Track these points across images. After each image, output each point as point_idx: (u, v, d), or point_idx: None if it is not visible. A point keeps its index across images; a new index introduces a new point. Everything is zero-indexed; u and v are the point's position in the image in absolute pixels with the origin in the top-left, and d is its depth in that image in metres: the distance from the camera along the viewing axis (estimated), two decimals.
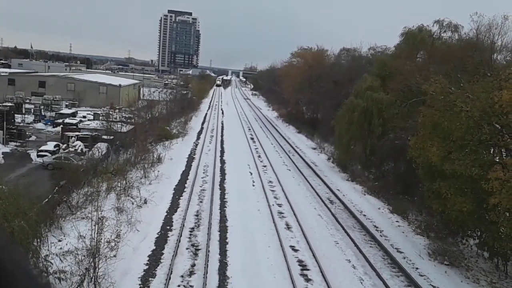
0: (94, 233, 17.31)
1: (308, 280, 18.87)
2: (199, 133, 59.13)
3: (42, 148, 44.26)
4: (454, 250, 22.37)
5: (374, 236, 24.53)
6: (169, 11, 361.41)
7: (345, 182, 37.19)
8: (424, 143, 23.66)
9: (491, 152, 22.78)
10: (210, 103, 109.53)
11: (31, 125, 61.56)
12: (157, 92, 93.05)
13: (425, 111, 24.57)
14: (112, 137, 45.72)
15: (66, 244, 19.28)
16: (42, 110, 70.64)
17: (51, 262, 17.01)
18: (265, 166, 41.14)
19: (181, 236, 22.38)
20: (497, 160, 21.57)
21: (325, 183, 35.91)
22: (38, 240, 18.29)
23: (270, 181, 35.31)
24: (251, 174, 37.52)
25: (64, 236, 20.62)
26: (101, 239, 17.59)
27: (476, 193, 20.70)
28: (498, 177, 19.01)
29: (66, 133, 49.96)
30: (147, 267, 18.92)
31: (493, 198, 18.93)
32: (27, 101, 75.47)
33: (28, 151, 45.61)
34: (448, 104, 22.66)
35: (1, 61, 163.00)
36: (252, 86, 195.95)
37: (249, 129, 67.30)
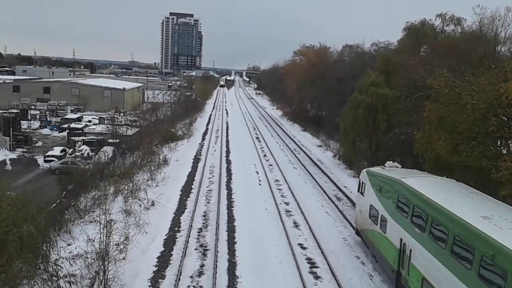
0: (103, 236, 17.35)
1: (317, 277, 18.85)
2: (204, 134, 59.21)
3: (49, 153, 44.51)
4: None
5: None
6: (171, 14, 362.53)
7: (352, 178, 37.03)
8: (431, 137, 23.57)
9: (498, 144, 22.64)
10: (214, 104, 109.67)
11: (37, 131, 61.97)
12: (161, 94, 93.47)
13: (430, 106, 24.46)
14: (118, 140, 45.90)
15: (76, 248, 19.38)
16: (48, 115, 71.09)
17: (61, 266, 17.09)
18: (271, 165, 41.12)
19: (189, 237, 22.43)
20: (505, 152, 21.44)
21: (331, 180, 35.86)
22: (48, 245, 18.38)
23: (277, 180, 35.30)
24: (258, 173, 37.52)
25: (73, 240, 20.71)
26: (110, 242, 17.63)
27: (485, 185, 20.58)
28: (508, 167, 18.92)
29: (72, 137, 50.18)
30: (156, 268, 18.98)
31: (503, 190, 18.84)
32: (33, 107, 75.96)
33: (35, 157, 45.88)
34: (454, 97, 22.55)
35: (6, 68, 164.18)
36: (256, 86, 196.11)
37: (254, 129, 67.32)
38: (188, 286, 17.64)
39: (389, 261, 17.60)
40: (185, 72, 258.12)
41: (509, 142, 22.30)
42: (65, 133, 56.04)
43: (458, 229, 12.93)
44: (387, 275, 18.28)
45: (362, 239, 21.87)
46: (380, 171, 20.64)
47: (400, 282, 16.64)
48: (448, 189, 16.79)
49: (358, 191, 22.63)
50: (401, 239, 16.48)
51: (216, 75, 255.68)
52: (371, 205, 20.09)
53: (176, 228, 23.80)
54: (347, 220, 26.38)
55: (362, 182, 21.91)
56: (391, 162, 22.30)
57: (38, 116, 69.29)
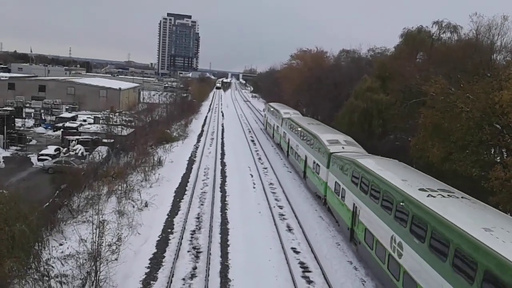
0: (95, 236, 17.26)
1: (309, 282, 18.84)
2: (200, 135, 59.11)
3: (43, 152, 44.28)
4: None
5: None
6: (169, 14, 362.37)
7: None
8: (425, 144, 23.69)
9: (492, 152, 22.77)
10: (210, 106, 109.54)
11: (31, 129, 61.64)
12: (157, 95, 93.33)
13: (426, 112, 24.59)
14: (112, 140, 45.75)
15: (68, 248, 19.27)
16: (43, 114, 70.75)
17: (52, 266, 16.98)
18: (265, 168, 41.11)
19: (182, 239, 22.37)
20: (498, 160, 21.57)
21: None
22: (39, 244, 18.29)
23: (271, 183, 35.28)
24: (252, 176, 37.48)
25: (65, 240, 20.60)
26: (102, 242, 17.53)
27: (477, 193, 20.67)
28: (498, 176, 19.01)
29: (67, 136, 49.95)
30: (148, 270, 18.91)
31: (494, 198, 18.93)
32: (27, 105, 75.57)
33: (28, 155, 45.65)
34: (449, 104, 22.69)
35: (1, 66, 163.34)
36: (252, 89, 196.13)
37: (250, 131, 67.28)
38: None
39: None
40: (182, 73, 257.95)
41: (503, 150, 22.44)
42: (59, 132, 55.75)
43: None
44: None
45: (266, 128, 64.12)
46: (270, 106, 61.20)
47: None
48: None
49: (263, 111, 75.80)
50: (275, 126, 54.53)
51: (213, 77, 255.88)
52: (265, 114, 67.71)
53: (169, 230, 23.72)
54: (339, 225, 26.36)
55: (264, 109, 72.75)
56: (273, 103, 64.31)
57: (32, 114, 68.91)
